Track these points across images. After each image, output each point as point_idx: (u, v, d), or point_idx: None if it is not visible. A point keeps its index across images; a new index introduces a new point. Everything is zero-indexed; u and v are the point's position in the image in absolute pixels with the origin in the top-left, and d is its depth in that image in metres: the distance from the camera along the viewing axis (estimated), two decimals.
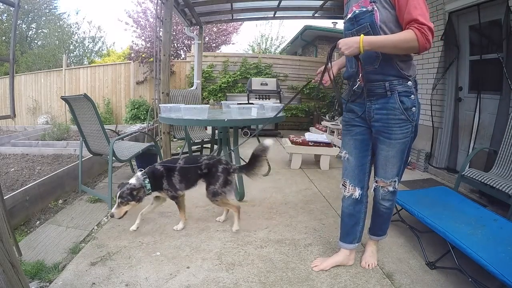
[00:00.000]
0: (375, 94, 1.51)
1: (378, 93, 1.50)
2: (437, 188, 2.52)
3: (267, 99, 6.13)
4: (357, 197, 1.66)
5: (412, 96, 1.47)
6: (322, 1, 5.34)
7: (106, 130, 2.54)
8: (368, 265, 1.77)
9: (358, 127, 1.64)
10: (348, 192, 1.68)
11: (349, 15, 1.49)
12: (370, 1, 1.40)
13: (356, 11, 1.44)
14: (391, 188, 1.63)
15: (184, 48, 9.64)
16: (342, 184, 1.72)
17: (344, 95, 1.73)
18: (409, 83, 1.46)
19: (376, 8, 1.38)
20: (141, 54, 7.74)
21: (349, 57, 1.56)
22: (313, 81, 1.78)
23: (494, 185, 2.25)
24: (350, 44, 1.35)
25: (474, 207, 2.08)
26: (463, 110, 3.53)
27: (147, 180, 2.01)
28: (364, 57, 1.45)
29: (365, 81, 1.49)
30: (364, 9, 1.41)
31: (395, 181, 1.61)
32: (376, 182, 1.67)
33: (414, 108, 1.48)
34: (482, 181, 2.37)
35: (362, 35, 1.35)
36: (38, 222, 2.25)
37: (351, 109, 1.66)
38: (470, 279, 1.53)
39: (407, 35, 1.30)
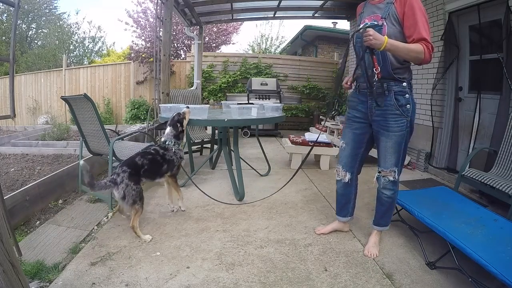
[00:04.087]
0: (375, 92, 1.75)
1: (378, 92, 1.74)
2: (437, 188, 2.52)
3: (267, 99, 6.13)
4: (347, 181, 1.97)
5: (407, 95, 1.73)
6: (322, 1, 5.35)
7: (106, 130, 2.54)
8: (370, 254, 1.89)
9: (359, 124, 1.91)
10: (339, 177, 2.00)
11: (362, 25, 1.74)
12: (381, 17, 1.68)
13: (368, 23, 1.70)
14: (391, 178, 1.83)
15: (184, 48, 9.64)
16: (336, 169, 2.04)
17: (349, 95, 2.01)
18: (404, 84, 1.73)
19: (385, 24, 1.66)
20: (141, 54, 7.74)
21: (358, 58, 1.79)
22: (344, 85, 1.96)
23: (494, 185, 2.25)
24: (378, 37, 1.55)
25: (474, 207, 2.08)
26: (463, 110, 3.53)
27: None
28: (369, 63, 1.70)
29: (381, 76, 1.69)
30: (375, 23, 1.68)
31: (394, 171, 1.82)
32: (378, 172, 1.88)
33: (408, 105, 1.73)
34: (482, 181, 2.36)
35: (386, 36, 1.57)
36: (38, 222, 2.25)
37: (355, 107, 1.93)
38: (470, 279, 1.53)
39: (418, 48, 1.59)
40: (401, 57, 1.66)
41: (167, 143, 2.28)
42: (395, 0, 1.68)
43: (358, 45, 1.78)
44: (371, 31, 1.54)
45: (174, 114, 2.39)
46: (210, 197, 2.34)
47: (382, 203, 1.92)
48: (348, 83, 1.92)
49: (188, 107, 2.46)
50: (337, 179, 2.04)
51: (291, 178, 2.30)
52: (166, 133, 2.35)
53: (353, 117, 1.94)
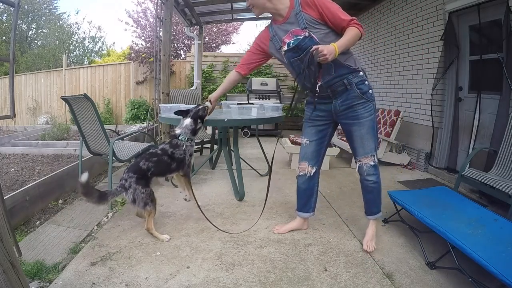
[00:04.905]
0: (338, 91, 1.80)
1: (340, 90, 1.79)
2: (437, 188, 2.51)
3: (267, 99, 6.13)
4: (311, 174, 2.01)
5: (366, 82, 1.79)
6: None
7: (106, 130, 2.54)
8: (369, 248, 1.93)
9: (322, 121, 1.95)
10: (303, 172, 2.03)
11: (286, 47, 1.75)
12: (302, 28, 1.68)
13: (292, 42, 1.71)
14: (372, 162, 1.88)
15: (184, 48, 9.65)
16: (299, 166, 2.05)
17: (309, 98, 1.99)
18: (361, 73, 1.78)
19: (310, 32, 1.66)
20: (141, 54, 7.75)
21: (299, 72, 1.77)
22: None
23: (494, 185, 2.25)
24: (331, 51, 1.55)
25: (474, 207, 2.08)
26: (463, 110, 3.53)
27: None
28: (312, 75, 1.71)
29: (322, 80, 1.76)
30: (301, 37, 1.68)
31: (373, 155, 1.87)
32: (359, 161, 1.90)
33: (370, 90, 1.81)
34: (482, 181, 2.36)
35: (333, 43, 1.58)
36: (38, 222, 2.26)
37: (319, 107, 1.93)
38: (470, 279, 1.53)
39: (354, 31, 1.63)
40: (349, 47, 1.69)
41: (180, 137, 2.11)
42: (302, 8, 1.68)
43: (296, 63, 1.77)
44: (324, 49, 1.52)
45: (199, 106, 2.17)
46: (207, 218, 2.32)
47: (369, 191, 1.95)
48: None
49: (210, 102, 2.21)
50: (299, 175, 2.07)
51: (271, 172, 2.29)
52: (184, 125, 2.13)
53: (316, 116, 1.96)
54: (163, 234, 2.03)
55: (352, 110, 1.80)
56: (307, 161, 2.01)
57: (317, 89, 1.76)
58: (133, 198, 1.94)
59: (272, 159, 2.19)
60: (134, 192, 1.93)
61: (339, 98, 1.81)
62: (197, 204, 2.17)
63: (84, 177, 1.77)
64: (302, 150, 2.04)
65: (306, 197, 2.10)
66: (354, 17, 1.66)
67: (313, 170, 2.01)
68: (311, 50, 1.59)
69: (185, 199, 2.38)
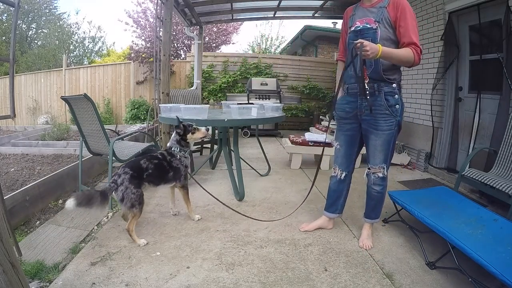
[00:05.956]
0: (368, 94, 1.78)
1: (368, 92, 1.78)
2: (437, 188, 2.51)
3: (267, 99, 6.13)
4: (342, 177, 2.06)
5: (396, 96, 1.79)
6: (322, 1, 5.34)
7: (106, 130, 2.54)
8: (365, 246, 1.98)
9: (349, 125, 1.98)
10: (335, 173, 2.09)
11: (353, 28, 1.82)
12: (375, 20, 1.73)
13: (360, 26, 1.77)
14: (380, 174, 1.92)
15: (184, 48, 9.64)
16: (333, 168, 2.12)
17: (338, 98, 2.02)
18: (394, 85, 1.78)
19: (379, 28, 1.71)
20: (141, 54, 7.74)
21: (350, 59, 1.80)
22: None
23: (494, 185, 2.25)
24: (374, 50, 1.57)
25: (474, 207, 2.08)
26: (463, 110, 3.53)
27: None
28: (359, 69, 1.74)
29: (369, 79, 1.77)
30: (368, 26, 1.74)
31: (383, 167, 1.90)
32: (368, 168, 1.96)
33: (397, 105, 1.80)
34: (482, 181, 2.36)
35: (379, 44, 1.60)
36: (38, 222, 2.26)
37: (343, 108, 1.97)
38: (470, 279, 1.53)
39: (408, 53, 1.66)
40: (392, 62, 1.73)
41: (172, 149, 2.19)
42: (387, 5, 1.72)
43: (351, 46, 1.78)
44: (368, 46, 1.55)
45: (186, 122, 2.27)
46: (217, 199, 2.30)
47: (372, 198, 1.99)
48: (339, 95, 2.02)
49: (207, 130, 2.34)
50: (332, 175, 2.13)
51: (310, 191, 2.28)
52: (171, 137, 2.26)
53: (343, 118, 2.00)
54: (141, 239, 1.97)
55: (374, 119, 1.82)
56: (338, 165, 2.07)
57: (366, 87, 1.75)
58: (122, 197, 1.90)
59: (323, 153, 2.30)
60: (124, 191, 1.90)
61: (365, 100, 1.81)
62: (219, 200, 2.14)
63: (69, 205, 1.70)
64: (335, 154, 2.11)
65: (334, 198, 2.14)
66: (420, 46, 1.68)
67: (343, 174, 2.05)
68: (355, 41, 1.62)
69: (174, 214, 2.41)
